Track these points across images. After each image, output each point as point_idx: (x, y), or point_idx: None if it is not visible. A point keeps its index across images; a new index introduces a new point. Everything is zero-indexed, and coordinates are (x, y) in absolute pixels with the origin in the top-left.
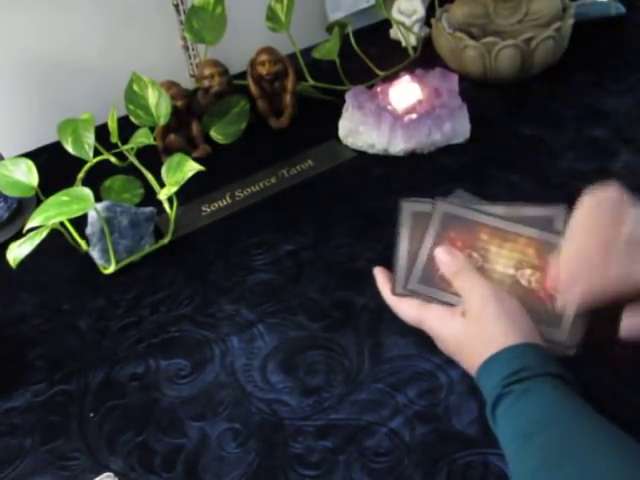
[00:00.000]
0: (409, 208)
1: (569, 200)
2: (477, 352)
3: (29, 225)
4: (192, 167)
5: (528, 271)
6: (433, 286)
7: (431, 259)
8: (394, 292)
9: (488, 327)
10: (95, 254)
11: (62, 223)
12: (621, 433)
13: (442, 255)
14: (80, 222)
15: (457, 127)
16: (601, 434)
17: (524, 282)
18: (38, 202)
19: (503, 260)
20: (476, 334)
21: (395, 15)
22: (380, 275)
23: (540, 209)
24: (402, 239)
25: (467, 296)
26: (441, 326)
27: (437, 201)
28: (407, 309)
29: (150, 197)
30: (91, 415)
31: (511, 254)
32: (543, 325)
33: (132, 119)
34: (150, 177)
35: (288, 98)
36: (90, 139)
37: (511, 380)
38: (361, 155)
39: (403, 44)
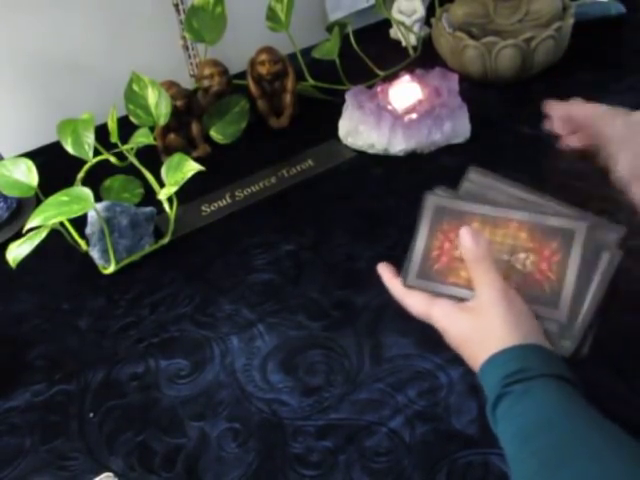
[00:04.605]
0: (433, 201)
1: (569, 200)
2: (481, 350)
3: (29, 225)
4: (192, 167)
5: (522, 255)
6: (436, 281)
7: (426, 253)
8: (404, 284)
9: (493, 326)
10: (95, 254)
11: (62, 223)
12: (623, 435)
13: (466, 239)
14: (80, 222)
15: (457, 127)
16: (601, 437)
17: (519, 266)
18: (38, 202)
19: (497, 247)
20: (481, 332)
21: (395, 15)
22: (386, 271)
23: (562, 220)
24: (420, 232)
25: (479, 291)
26: (449, 322)
27: (427, 195)
28: (415, 304)
29: (150, 197)
30: (91, 415)
31: (504, 240)
32: (541, 306)
33: (132, 119)
34: (150, 177)
35: (288, 98)
36: (90, 139)
37: (510, 381)
38: (361, 155)
39: (403, 44)
